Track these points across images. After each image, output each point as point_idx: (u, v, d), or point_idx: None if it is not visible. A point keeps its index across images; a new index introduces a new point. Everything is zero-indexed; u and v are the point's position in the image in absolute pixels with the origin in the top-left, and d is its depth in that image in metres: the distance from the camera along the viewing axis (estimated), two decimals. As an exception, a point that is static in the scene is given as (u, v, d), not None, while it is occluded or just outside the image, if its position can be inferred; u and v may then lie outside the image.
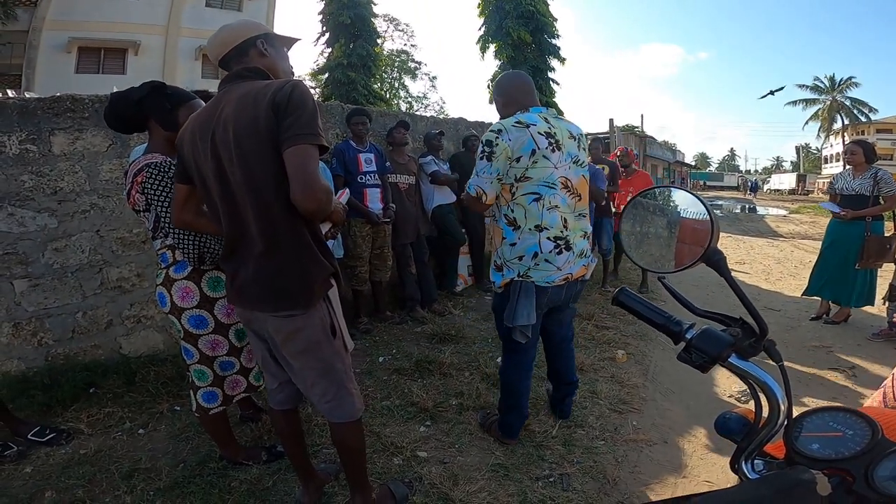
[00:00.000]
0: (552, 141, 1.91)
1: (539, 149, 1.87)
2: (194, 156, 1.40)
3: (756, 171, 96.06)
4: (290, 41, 1.58)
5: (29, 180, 2.63)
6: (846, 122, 37.35)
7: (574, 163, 1.99)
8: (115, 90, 1.88)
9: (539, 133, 1.89)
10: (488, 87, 15.11)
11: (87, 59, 15.33)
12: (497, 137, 1.87)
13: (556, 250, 1.94)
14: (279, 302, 1.40)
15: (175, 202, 1.57)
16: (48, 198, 2.70)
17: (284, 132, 1.25)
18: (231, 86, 1.38)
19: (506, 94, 2.06)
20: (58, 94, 2.76)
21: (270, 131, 1.26)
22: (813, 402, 2.77)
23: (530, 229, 1.93)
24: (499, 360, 3.12)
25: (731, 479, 0.70)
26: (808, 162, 57.82)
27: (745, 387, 0.71)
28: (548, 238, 1.93)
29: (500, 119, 2.04)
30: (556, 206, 1.93)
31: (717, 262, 0.72)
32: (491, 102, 15.04)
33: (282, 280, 1.39)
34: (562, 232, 1.95)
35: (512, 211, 1.95)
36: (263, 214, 1.33)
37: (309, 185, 1.24)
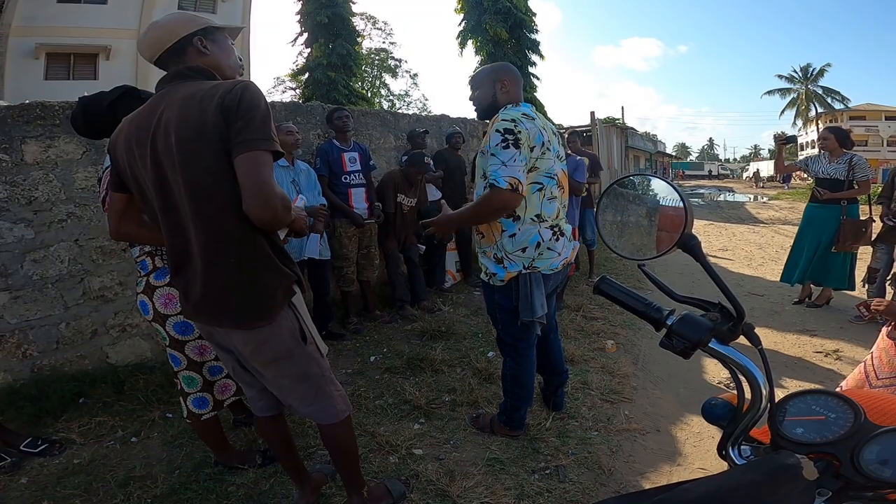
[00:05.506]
0: (547, 135, 1.94)
1: (545, 141, 1.89)
2: (130, 163, 1.29)
3: (735, 159, 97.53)
4: (235, 31, 1.47)
5: (3, 190, 2.56)
6: (820, 110, 38.06)
7: (557, 157, 2.02)
8: (85, 94, 1.82)
9: (541, 127, 1.91)
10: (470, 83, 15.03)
11: (57, 64, 14.87)
12: (516, 125, 1.79)
13: (555, 238, 1.98)
14: (240, 316, 1.33)
15: (112, 213, 1.44)
16: (23, 208, 2.63)
17: (235, 137, 1.16)
18: (172, 86, 1.27)
19: (509, 83, 1.99)
20: (27, 101, 2.68)
21: (219, 136, 1.17)
22: (798, 386, 2.83)
23: (531, 219, 1.92)
24: (490, 354, 3.14)
25: (724, 465, 0.71)
26: (785, 150, 58.80)
27: (734, 373, 0.72)
28: (546, 227, 1.95)
29: (485, 106, 2.02)
30: (555, 197, 1.98)
31: (692, 247, 0.73)
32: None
33: (240, 293, 1.31)
34: (555, 220, 1.99)
35: None
36: (211, 225, 1.24)
37: (263, 194, 1.16)
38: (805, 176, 6.78)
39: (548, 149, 1.90)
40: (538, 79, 14.79)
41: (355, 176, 3.68)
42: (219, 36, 1.37)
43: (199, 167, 1.20)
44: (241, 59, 1.46)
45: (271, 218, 1.20)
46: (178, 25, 1.31)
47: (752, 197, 23.23)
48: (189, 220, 1.25)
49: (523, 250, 1.93)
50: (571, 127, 11.95)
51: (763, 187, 31.48)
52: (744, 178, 49.20)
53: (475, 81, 2.06)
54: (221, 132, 1.18)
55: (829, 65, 38.22)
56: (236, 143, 1.17)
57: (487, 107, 2.02)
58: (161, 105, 1.24)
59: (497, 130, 1.81)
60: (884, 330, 1.72)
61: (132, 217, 1.44)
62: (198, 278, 1.31)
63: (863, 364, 1.75)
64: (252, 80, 1.30)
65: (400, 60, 28.67)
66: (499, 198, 1.79)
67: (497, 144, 1.79)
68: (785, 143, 4.28)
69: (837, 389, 0.71)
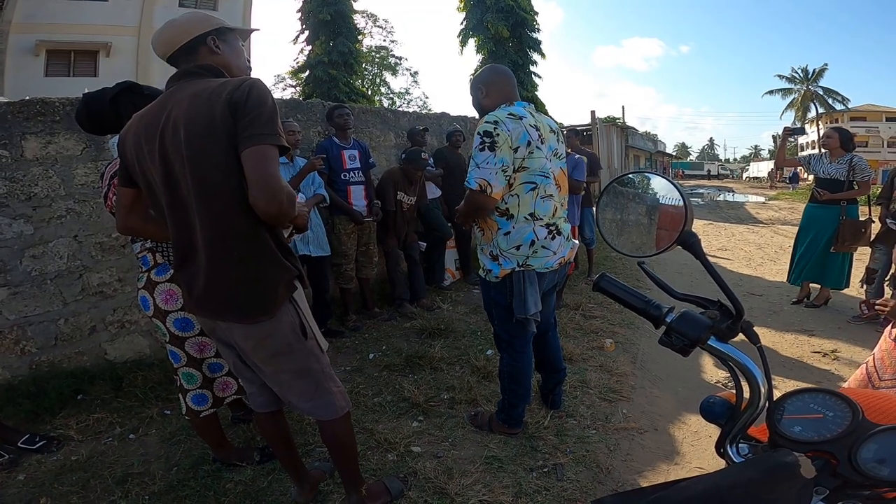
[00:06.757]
0: (539, 134, 1.93)
1: (533, 140, 1.89)
2: (138, 158, 1.31)
3: (735, 159, 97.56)
4: (246, 33, 1.48)
5: (2, 186, 2.56)
6: (820, 110, 38.10)
7: (554, 155, 2.03)
8: (86, 91, 1.83)
9: (530, 125, 1.90)
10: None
11: (57, 61, 14.81)
12: (496, 127, 1.83)
13: (550, 236, 1.98)
14: (243, 310, 1.34)
15: (120, 207, 1.45)
16: (23, 204, 2.63)
17: (242, 132, 1.18)
18: (181, 84, 1.30)
19: (490, 86, 2.02)
20: (27, 97, 2.68)
21: (227, 132, 1.19)
22: (796, 386, 2.83)
23: (525, 218, 1.93)
24: (489, 352, 3.14)
25: (722, 464, 0.71)
26: (786, 151, 58.78)
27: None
28: (541, 226, 1.96)
29: (480, 111, 2.06)
30: (551, 196, 1.98)
31: (692, 244, 0.73)
32: None
33: (243, 287, 1.32)
34: (552, 218, 1.99)
35: (505, 202, 1.92)
36: (218, 222, 1.26)
37: (270, 188, 1.18)
38: (805, 175, 6.81)
39: (537, 147, 1.90)
40: (539, 77, 14.81)
41: (355, 173, 3.68)
42: (231, 37, 1.40)
43: (207, 163, 1.22)
44: (249, 61, 1.48)
45: (277, 211, 1.21)
46: (192, 24, 1.33)
47: (765, 198, 21.02)
48: (195, 215, 1.27)
49: (517, 248, 1.95)
50: (571, 126, 11.94)
51: (775, 187, 29.89)
52: (744, 178, 49.11)
53: (469, 90, 2.14)
54: (229, 128, 1.20)
55: (826, 65, 38.27)
56: (243, 138, 1.19)
57: (479, 112, 2.09)
58: (170, 102, 1.27)
59: (478, 133, 1.88)
60: (887, 331, 1.70)
61: (139, 212, 1.46)
62: (202, 273, 1.33)
63: (864, 366, 1.73)
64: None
65: (400, 58, 28.70)
66: (471, 198, 1.89)
67: (475, 147, 1.86)
68: (792, 133, 4.28)
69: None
